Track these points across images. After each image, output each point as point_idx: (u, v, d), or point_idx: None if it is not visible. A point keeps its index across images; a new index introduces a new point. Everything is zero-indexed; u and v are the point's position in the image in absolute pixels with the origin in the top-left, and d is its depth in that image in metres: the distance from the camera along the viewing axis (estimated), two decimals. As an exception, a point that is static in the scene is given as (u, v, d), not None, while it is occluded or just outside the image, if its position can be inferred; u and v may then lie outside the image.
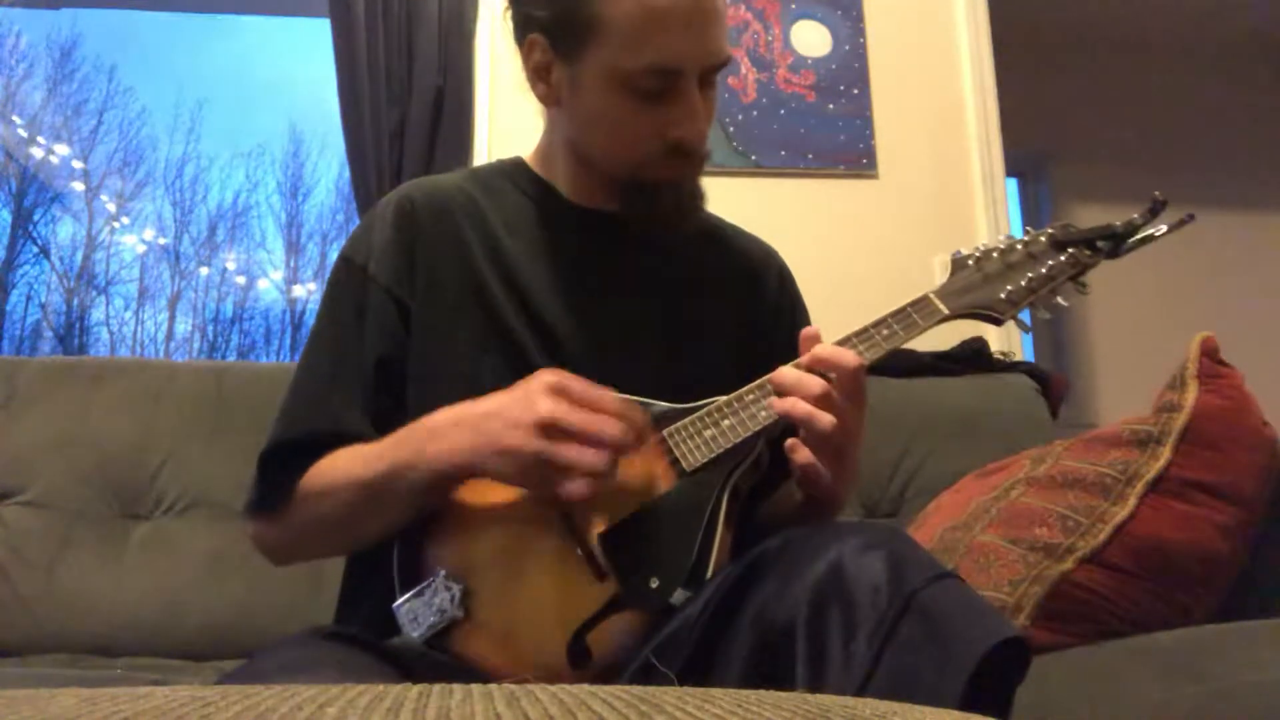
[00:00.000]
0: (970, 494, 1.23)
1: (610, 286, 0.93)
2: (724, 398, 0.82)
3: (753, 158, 2.26)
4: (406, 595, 0.77)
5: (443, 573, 0.77)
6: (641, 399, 0.83)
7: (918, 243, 2.24)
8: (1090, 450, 1.11)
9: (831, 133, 2.31)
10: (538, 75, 0.90)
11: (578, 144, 0.93)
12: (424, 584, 0.77)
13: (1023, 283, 0.85)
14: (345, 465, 0.83)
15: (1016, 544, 1.07)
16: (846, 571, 0.63)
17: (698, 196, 0.92)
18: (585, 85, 0.86)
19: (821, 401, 0.77)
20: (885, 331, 0.83)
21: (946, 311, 0.85)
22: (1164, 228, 0.87)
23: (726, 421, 0.81)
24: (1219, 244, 3.67)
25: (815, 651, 0.62)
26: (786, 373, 0.80)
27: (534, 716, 0.33)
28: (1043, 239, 0.88)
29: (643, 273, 0.95)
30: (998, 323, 0.86)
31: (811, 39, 2.37)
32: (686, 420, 0.82)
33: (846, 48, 2.37)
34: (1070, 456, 1.12)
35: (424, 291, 0.90)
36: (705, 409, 0.82)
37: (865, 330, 0.84)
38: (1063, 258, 0.86)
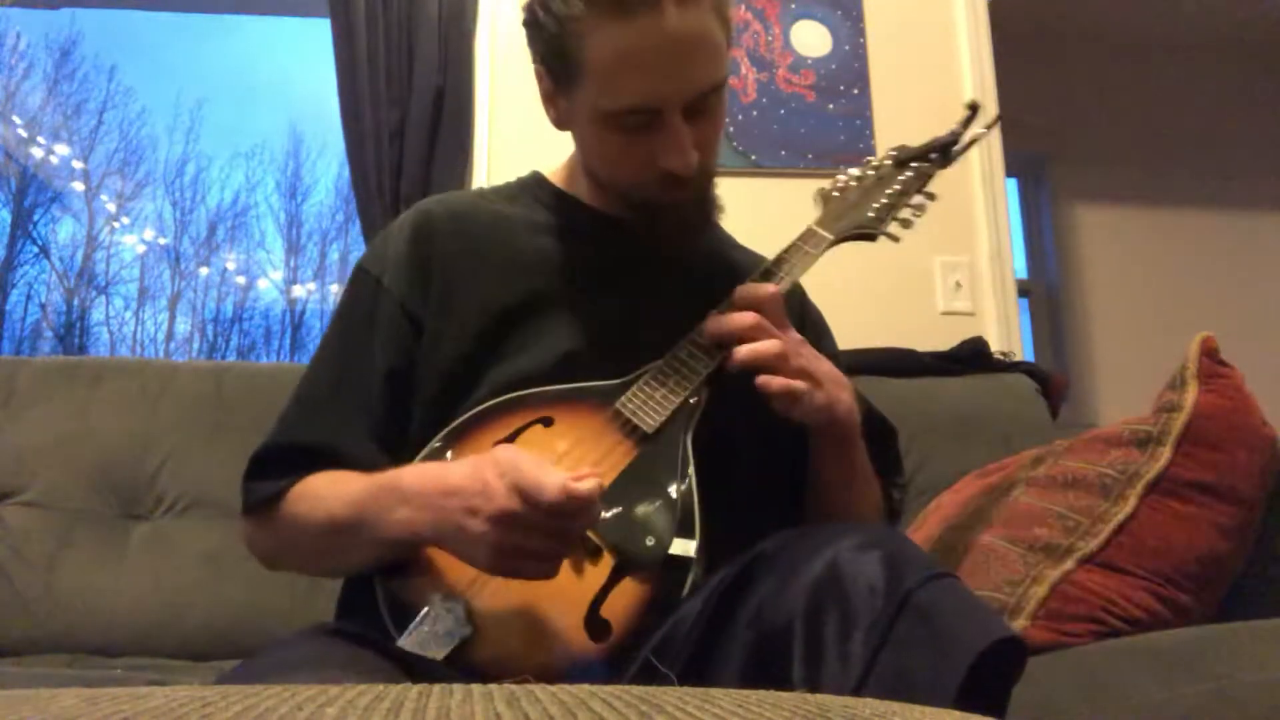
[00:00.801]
0: (970, 494, 1.23)
1: (631, 297, 0.94)
2: (659, 361, 0.85)
3: (753, 158, 2.26)
4: (408, 631, 0.75)
5: (437, 597, 0.76)
6: (584, 383, 0.85)
7: (918, 243, 2.23)
8: (1090, 450, 1.11)
9: (831, 133, 2.31)
10: (546, 100, 0.93)
11: (586, 166, 0.97)
12: (421, 615, 0.76)
13: (884, 200, 0.98)
14: (326, 495, 0.83)
15: (1016, 544, 1.07)
16: (843, 571, 0.63)
17: (706, 213, 0.95)
18: (578, 118, 0.90)
19: (755, 331, 0.82)
20: (785, 269, 0.92)
21: (831, 237, 0.95)
22: (983, 130, 1.02)
23: (671, 380, 0.84)
24: (1219, 244, 3.67)
25: (812, 651, 0.62)
26: (716, 320, 0.85)
27: (534, 716, 0.33)
28: (887, 162, 1.01)
29: (667, 285, 0.96)
30: (873, 238, 0.97)
31: (811, 39, 2.37)
32: (633, 389, 0.84)
33: (846, 48, 2.37)
34: (1070, 456, 1.12)
35: (438, 307, 0.90)
36: (645, 374, 0.85)
37: (765, 270, 0.91)
38: (909, 173, 0.99)
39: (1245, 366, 1.10)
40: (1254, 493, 1.05)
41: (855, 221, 0.96)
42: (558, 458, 0.81)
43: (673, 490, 0.80)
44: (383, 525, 0.78)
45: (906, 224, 0.99)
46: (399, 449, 0.86)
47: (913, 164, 1.00)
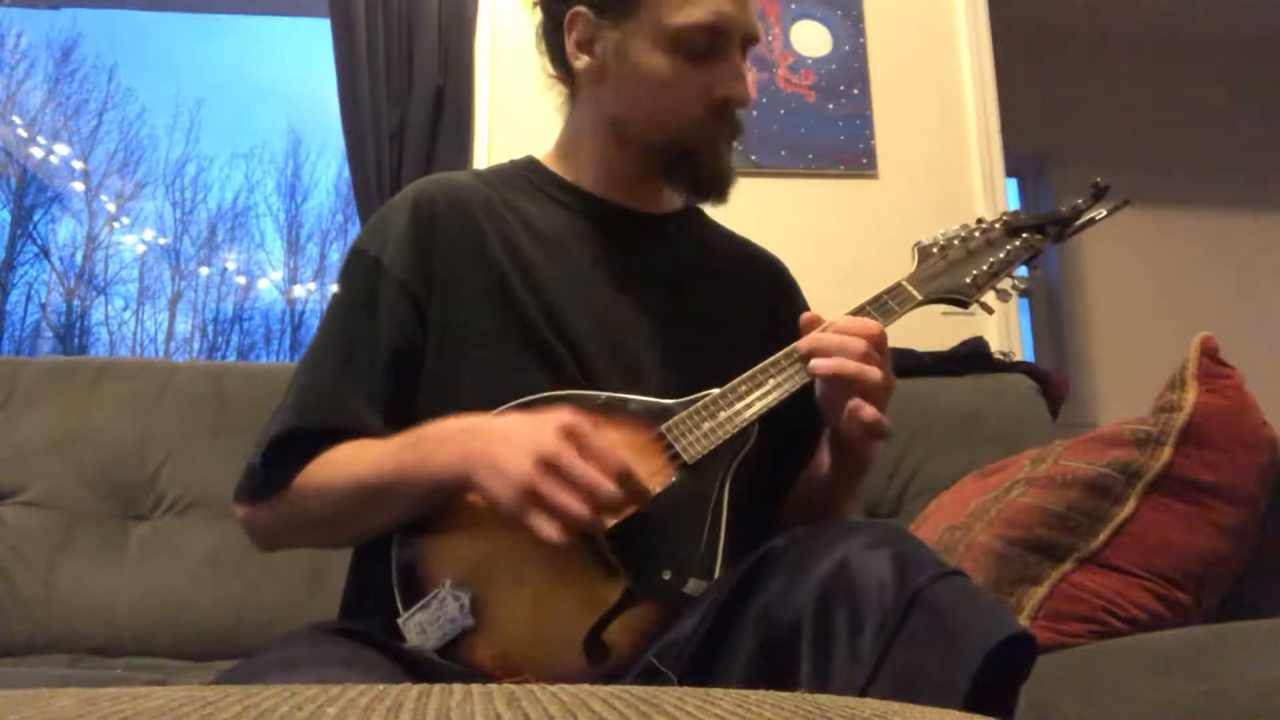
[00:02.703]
0: (970, 494, 1.23)
1: (630, 282, 0.94)
2: (717, 390, 0.83)
3: (753, 158, 2.26)
4: (412, 609, 0.75)
5: (448, 582, 0.75)
6: (637, 396, 0.84)
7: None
8: (1090, 450, 1.11)
9: (831, 133, 2.31)
10: (579, 49, 0.92)
11: (619, 117, 0.94)
12: (429, 596, 0.75)
13: (985, 267, 0.92)
14: (349, 462, 0.82)
15: (1016, 544, 1.07)
16: (852, 569, 0.63)
17: (732, 172, 0.96)
18: (634, 48, 0.89)
19: (867, 358, 0.80)
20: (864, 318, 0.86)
21: (920, 297, 0.90)
22: (1103, 212, 0.94)
23: (723, 414, 0.82)
24: (1219, 244, 3.67)
25: (821, 649, 0.62)
26: (826, 338, 0.82)
27: (534, 716, 0.33)
28: (998, 226, 0.94)
29: (663, 270, 0.96)
30: (965, 305, 0.91)
31: (811, 39, 2.37)
32: (683, 415, 0.82)
33: (846, 48, 2.37)
34: (1070, 456, 1.12)
35: (443, 286, 0.89)
36: (700, 402, 0.83)
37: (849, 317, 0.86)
38: (1017, 243, 0.93)
39: (1245, 366, 1.10)
40: (1254, 493, 1.05)
41: (950, 285, 0.91)
42: None
43: (701, 528, 0.78)
44: (422, 473, 0.78)
45: (1004, 296, 0.94)
46: (405, 429, 0.85)
47: (1024, 234, 0.94)
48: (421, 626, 0.74)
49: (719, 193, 0.95)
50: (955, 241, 0.94)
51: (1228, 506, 1.03)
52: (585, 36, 0.91)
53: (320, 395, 0.87)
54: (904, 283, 0.90)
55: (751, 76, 2.30)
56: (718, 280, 1.00)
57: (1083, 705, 0.88)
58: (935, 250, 0.94)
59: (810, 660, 0.62)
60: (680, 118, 0.90)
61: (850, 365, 0.80)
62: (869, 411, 0.79)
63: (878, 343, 0.82)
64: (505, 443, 0.74)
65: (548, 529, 0.70)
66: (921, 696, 0.57)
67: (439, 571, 0.77)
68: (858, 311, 0.88)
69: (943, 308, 0.93)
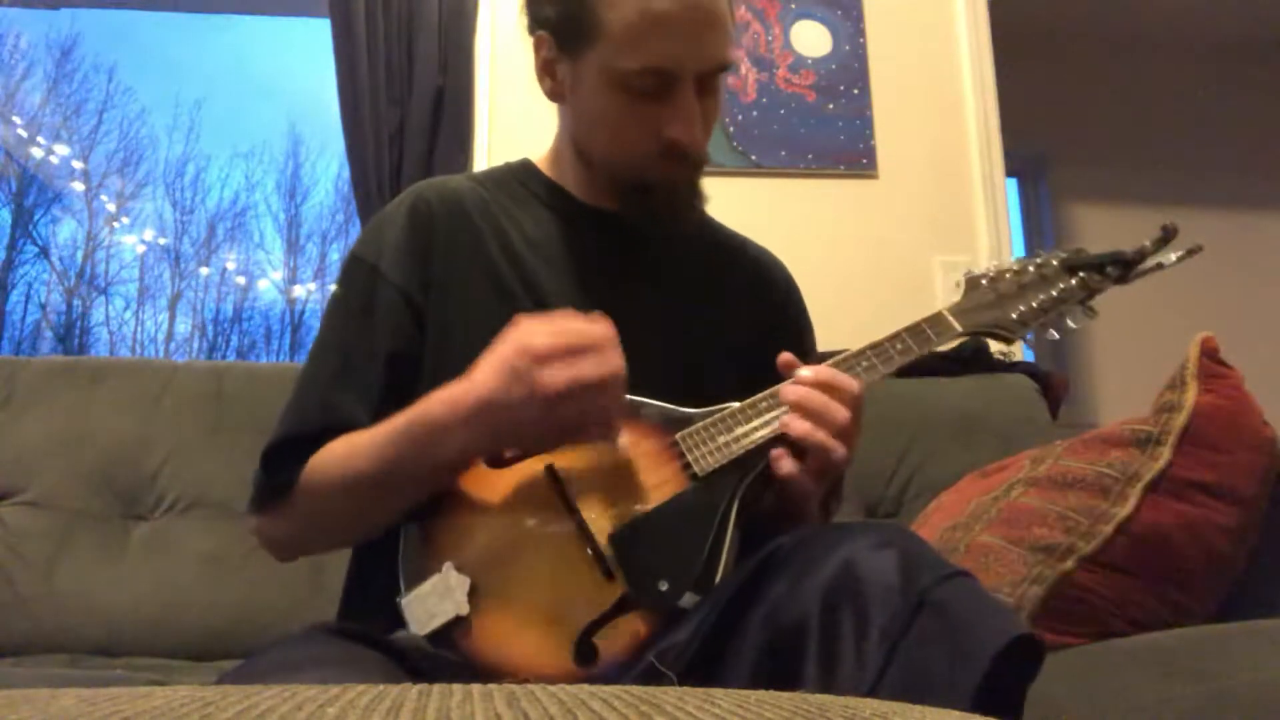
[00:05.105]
0: (970, 494, 1.23)
1: (624, 287, 0.93)
2: (737, 404, 0.83)
3: (753, 158, 2.26)
4: (412, 590, 0.76)
5: (448, 565, 0.76)
6: (656, 402, 0.83)
7: (918, 243, 2.24)
8: (1090, 450, 1.11)
9: (831, 133, 2.31)
10: (545, 70, 0.92)
11: (579, 142, 0.94)
12: (432, 579, 0.76)
13: (1034, 304, 0.88)
14: (345, 458, 0.82)
15: (1016, 544, 1.07)
16: (859, 570, 0.63)
17: (696, 198, 0.93)
18: (585, 83, 0.88)
19: (841, 433, 0.78)
20: (900, 346, 0.86)
21: (960, 329, 0.88)
22: (1173, 257, 0.90)
23: (740, 429, 0.82)
24: (1218, 244, 3.66)
25: (827, 650, 0.62)
26: (812, 397, 0.80)
27: (534, 716, 0.33)
28: (1054, 262, 0.90)
29: (656, 275, 0.96)
30: (1008, 341, 0.88)
31: (811, 39, 2.37)
32: (699, 425, 0.82)
33: (846, 48, 2.37)
34: (1070, 456, 1.12)
35: (440, 291, 0.90)
36: (718, 415, 0.83)
37: (880, 344, 0.86)
38: (1074, 281, 0.89)
39: (1245, 366, 1.10)
40: (1254, 493, 1.05)
41: (993, 319, 0.88)
42: (607, 470, 0.80)
43: (704, 542, 0.78)
44: (427, 462, 0.78)
45: (1053, 334, 0.89)
46: None
47: (1082, 272, 0.89)
48: (418, 608, 0.75)
49: (674, 223, 0.94)
50: (1007, 274, 0.90)
51: (1228, 506, 1.03)
52: (548, 60, 0.91)
53: (317, 401, 0.88)
54: (945, 313, 0.88)
55: (752, 76, 2.30)
56: (715, 283, 0.99)
57: (1083, 705, 0.88)
58: (985, 281, 0.90)
59: (816, 662, 0.62)
60: (630, 155, 0.89)
61: (817, 436, 0.78)
62: (785, 466, 0.79)
63: (857, 402, 0.81)
64: (509, 413, 0.74)
65: (599, 432, 0.78)
66: (928, 699, 0.57)
67: (441, 556, 0.78)
68: (894, 339, 0.86)
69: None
